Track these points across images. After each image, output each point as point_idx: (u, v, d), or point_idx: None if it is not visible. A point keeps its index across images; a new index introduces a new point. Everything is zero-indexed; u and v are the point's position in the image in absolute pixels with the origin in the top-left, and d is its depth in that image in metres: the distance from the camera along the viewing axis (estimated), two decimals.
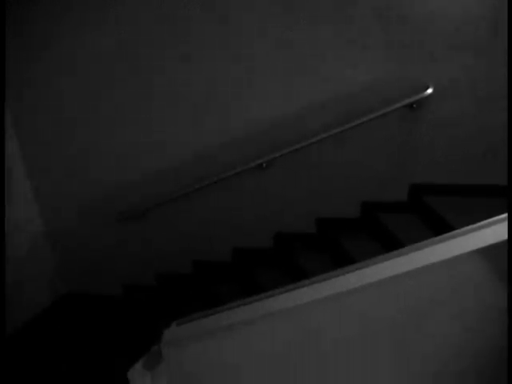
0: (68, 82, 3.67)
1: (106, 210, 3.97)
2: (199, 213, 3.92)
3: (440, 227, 3.12)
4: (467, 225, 2.16)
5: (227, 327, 2.59)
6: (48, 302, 4.38)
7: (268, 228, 3.92)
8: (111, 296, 4.33)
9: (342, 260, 3.45)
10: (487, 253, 2.10)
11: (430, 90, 3.15)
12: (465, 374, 2.53)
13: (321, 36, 3.15)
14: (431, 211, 3.30)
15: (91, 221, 4.05)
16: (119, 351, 3.75)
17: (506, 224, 2.04)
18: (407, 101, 3.19)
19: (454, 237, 2.14)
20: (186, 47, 3.37)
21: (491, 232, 2.05)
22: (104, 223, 4.05)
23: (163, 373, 2.58)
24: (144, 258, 4.18)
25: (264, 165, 3.53)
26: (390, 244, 3.26)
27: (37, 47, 3.65)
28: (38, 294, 4.15)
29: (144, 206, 3.84)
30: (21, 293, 4.02)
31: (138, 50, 3.47)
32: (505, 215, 2.10)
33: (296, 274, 3.61)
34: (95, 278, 4.31)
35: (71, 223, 4.09)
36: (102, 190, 3.93)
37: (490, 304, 2.35)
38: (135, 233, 4.06)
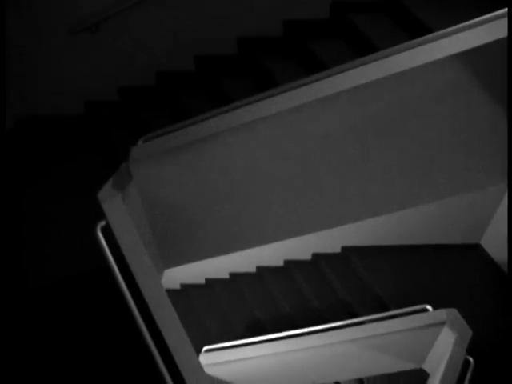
0: None
1: (57, 24, 3.67)
2: (157, 20, 3.68)
3: (415, 28, 2.97)
4: (446, 26, 2.04)
5: (198, 140, 2.56)
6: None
7: (231, 32, 3.74)
8: (73, 115, 4.17)
9: (312, 65, 3.33)
10: (469, 56, 2.01)
11: None
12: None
13: None
14: (404, 9, 3.12)
15: (43, 35, 3.74)
16: (86, 172, 3.73)
17: (489, 25, 1.91)
18: None
19: (433, 40, 2.03)
20: None
21: (473, 34, 1.94)
22: (57, 39, 3.76)
23: (134, 191, 2.57)
24: (104, 71, 3.98)
25: None
26: (363, 47, 3.13)
27: None
28: None
29: (98, 16, 3.57)
30: None
31: None
32: (486, 16, 1.96)
33: (264, 81, 3.50)
34: (54, 97, 4.10)
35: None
36: None
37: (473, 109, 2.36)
38: (92, 46, 3.81)
